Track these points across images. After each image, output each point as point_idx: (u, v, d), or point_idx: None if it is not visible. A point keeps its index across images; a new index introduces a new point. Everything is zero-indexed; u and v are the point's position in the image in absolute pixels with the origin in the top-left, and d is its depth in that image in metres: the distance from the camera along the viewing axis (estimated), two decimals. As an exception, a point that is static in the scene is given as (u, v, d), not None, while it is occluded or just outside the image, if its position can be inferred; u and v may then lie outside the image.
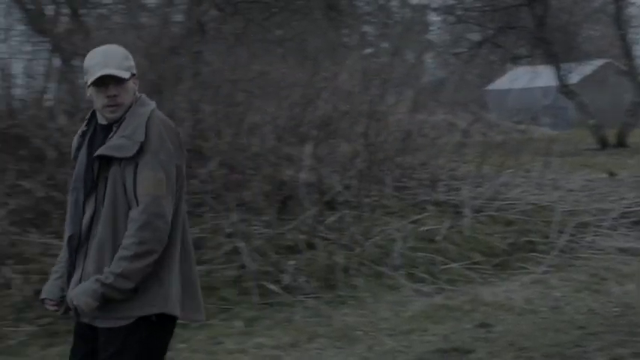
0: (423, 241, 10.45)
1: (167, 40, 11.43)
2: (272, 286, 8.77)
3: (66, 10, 13.59)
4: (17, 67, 12.41)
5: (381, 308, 8.53)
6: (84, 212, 3.86)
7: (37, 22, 13.11)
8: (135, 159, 3.75)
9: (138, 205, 3.73)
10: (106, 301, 3.73)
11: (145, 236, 3.70)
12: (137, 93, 3.95)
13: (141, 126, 3.80)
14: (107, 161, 3.80)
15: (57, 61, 12.84)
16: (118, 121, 3.86)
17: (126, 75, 3.87)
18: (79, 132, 4.04)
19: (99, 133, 3.93)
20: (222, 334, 7.76)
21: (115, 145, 3.79)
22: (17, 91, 11.81)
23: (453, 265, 9.95)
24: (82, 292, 3.74)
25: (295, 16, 17.24)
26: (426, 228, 10.81)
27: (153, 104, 3.95)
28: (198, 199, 9.94)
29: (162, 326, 3.90)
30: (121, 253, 3.72)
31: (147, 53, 10.94)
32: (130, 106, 3.89)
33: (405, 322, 8.09)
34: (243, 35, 13.30)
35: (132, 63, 3.96)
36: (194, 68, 11.41)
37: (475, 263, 10.12)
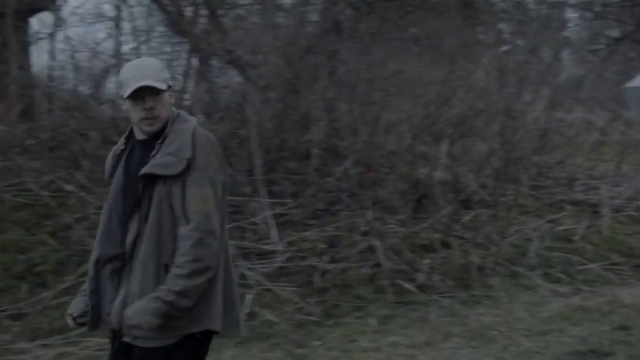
0: (560, 241, 10.26)
1: (303, 39, 11.51)
2: (407, 285, 8.75)
3: (204, 12, 13.82)
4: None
5: (516, 308, 8.41)
6: (127, 231, 3.78)
7: (176, 24, 13.38)
8: (182, 176, 3.69)
9: (188, 222, 3.67)
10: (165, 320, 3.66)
11: (200, 253, 3.65)
12: (175, 109, 3.88)
13: (186, 142, 3.73)
14: (152, 180, 3.73)
15: (195, 62, 13.08)
16: (160, 138, 3.79)
17: (162, 86, 3.79)
18: (116, 150, 3.98)
19: (137, 149, 3.87)
20: (356, 332, 7.78)
21: (160, 163, 3.72)
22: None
23: (591, 265, 9.73)
24: (142, 311, 3.63)
25: (431, 14, 17.12)
26: (562, 228, 10.62)
27: (194, 120, 3.88)
28: (333, 198, 10.00)
29: (203, 342, 3.86)
30: (176, 271, 3.65)
31: (283, 53, 11.06)
32: (167, 121, 3.81)
33: (541, 322, 7.95)
34: (378, 34, 13.28)
35: (167, 75, 3.88)
36: (330, 67, 11.47)
37: (614, 264, 9.88)
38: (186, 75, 12.75)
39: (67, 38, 13.19)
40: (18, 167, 10.25)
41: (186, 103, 11.96)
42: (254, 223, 9.49)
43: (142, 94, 3.75)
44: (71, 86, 12.61)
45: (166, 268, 3.68)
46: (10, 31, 12.13)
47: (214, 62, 12.97)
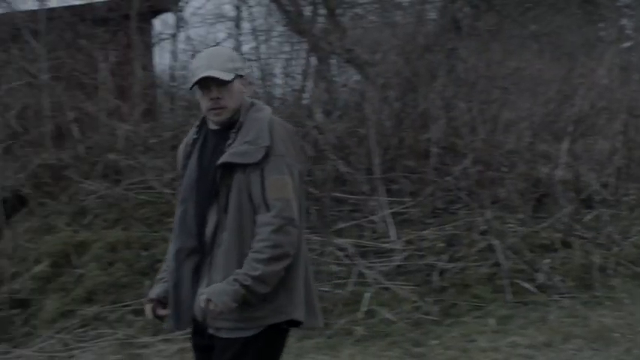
0: (686, 242, 9.99)
1: (422, 37, 11.49)
2: (526, 285, 8.66)
3: (323, 11, 13.91)
4: (277, 67, 12.88)
5: (639, 310, 8.24)
6: (205, 223, 3.76)
7: (295, 23, 13.50)
8: (260, 164, 3.67)
9: (268, 209, 3.65)
10: (240, 306, 3.64)
11: (280, 239, 3.62)
12: (249, 98, 3.87)
13: (263, 130, 3.71)
14: (230, 169, 3.71)
15: (314, 61, 13.17)
16: (235, 127, 3.78)
17: (228, 77, 3.76)
18: (188, 140, 3.97)
19: (210, 139, 3.86)
20: (475, 331, 7.74)
21: (238, 151, 3.70)
22: (277, 90, 12.25)
23: None
24: (220, 292, 3.62)
25: (551, 10, 16.89)
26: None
27: (269, 109, 3.87)
28: (452, 196, 9.96)
29: (285, 332, 3.85)
30: (254, 256, 3.63)
31: (402, 51, 11.05)
32: (237, 111, 3.80)
33: (666, 325, 7.77)
34: (497, 31, 13.14)
35: (238, 65, 3.84)
36: (449, 65, 11.42)
37: None
38: (304, 74, 12.85)
39: (189, 38, 13.45)
40: (141, 165, 10.51)
41: (304, 102, 12.07)
42: (372, 222, 9.52)
43: (207, 84, 3.76)
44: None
45: None
46: (134, 32, 12.43)
47: (333, 61, 13.04)
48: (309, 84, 12.84)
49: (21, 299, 9.22)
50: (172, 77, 12.91)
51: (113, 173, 10.56)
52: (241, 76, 3.84)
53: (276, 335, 3.79)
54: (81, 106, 11.23)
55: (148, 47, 13.46)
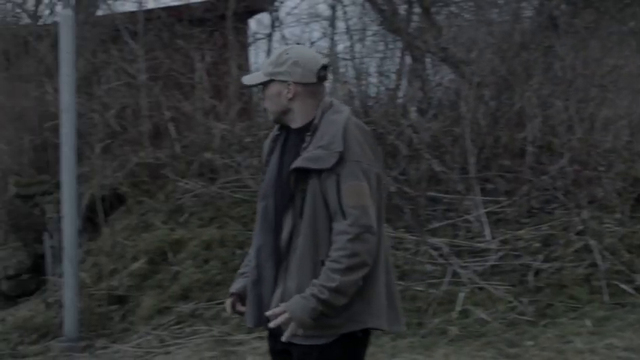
0: None
1: (518, 35, 11.36)
2: (624, 286, 8.49)
3: (418, 9, 13.86)
4: (371, 66, 12.87)
5: None
6: (281, 225, 3.71)
7: (390, 22, 13.48)
8: (335, 170, 3.58)
9: (345, 217, 3.56)
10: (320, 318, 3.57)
11: (357, 248, 3.52)
12: (328, 98, 3.82)
13: (337, 135, 3.62)
14: (304, 173, 3.63)
15: (408, 59, 13.14)
16: (310, 130, 3.71)
17: (254, 80, 3.88)
18: (272, 135, 3.94)
19: (291, 137, 3.81)
20: (571, 332, 7.62)
21: (311, 156, 3.62)
22: (371, 89, 12.25)
23: None
24: (297, 309, 3.55)
25: (651, 6, 16.54)
26: None
27: (347, 110, 3.78)
28: (548, 196, 9.82)
29: (362, 340, 3.76)
30: (331, 265, 3.55)
31: (497, 49, 10.95)
32: (282, 112, 3.79)
33: None
34: (595, 28, 12.92)
35: (278, 69, 3.77)
36: (545, 63, 11.27)
37: None
38: (399, 73, 12.82)
39: (284, 38, 13.56)
40: (236, 164, 10.62)
41: (399, 101, 12.03)
42: (467, 221, 9.45)
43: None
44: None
45: (323, 264, 3.58)
46: (230, 32, 12.57)
47: (428, 60, 12.98)
48: (404, 83, 12.80)
49: (119, 296, 9.41)
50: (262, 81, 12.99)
51: (209, 172, 10.70)
52: (282, 80, 3.77)
53: (352, 343, 3.71)
54: (178, 105, 11.41)
55: (244, 47, 13.60)
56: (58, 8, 15.29)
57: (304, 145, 3.69)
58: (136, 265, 9.58)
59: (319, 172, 3.60)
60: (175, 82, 11.90)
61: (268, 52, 13.25)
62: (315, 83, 3.77)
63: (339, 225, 3.57)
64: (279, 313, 3.59)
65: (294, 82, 3.74)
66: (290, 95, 3.75)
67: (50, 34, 14.29)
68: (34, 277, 12.93)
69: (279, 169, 3.79)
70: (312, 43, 13.57)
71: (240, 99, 11.70)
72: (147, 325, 8.73)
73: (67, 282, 9.16)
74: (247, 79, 3.95)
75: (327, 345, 3.65)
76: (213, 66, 11.77)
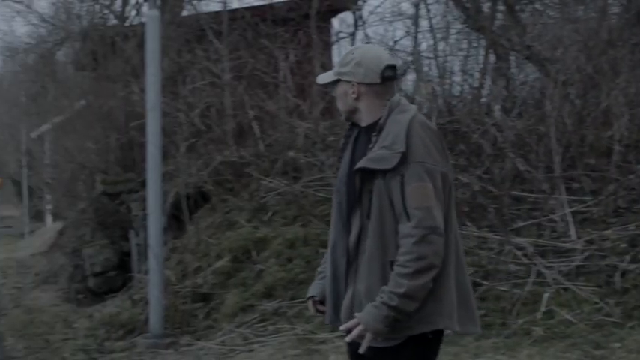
0: None
1: (604, 32, 11.16)
2: None
3: (502, 7, 13.72)
4: (455, 65, 12.79)
5: None
6: (350, 226, 3.69)
7: (474, 20, 13.36)
8: (399, 171, 3.53)
9: (409, 219, 3.51)
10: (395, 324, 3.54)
11: (423, 251, 3.47)
12: (397, 97, 3.77)
13: (401, 135, 3.58)
14: (370, 174, 3.60)
15: (492, 58, 13.02)
16: (376, 130, 3.69)
17: (325, 80, 3.91)
18: (345, 132, 3.94)
19: (362, 135, 3.80)
20: (659, 335, 7.47)
21: (375, 157, 3.60)
22: (455, 88, 12.17)
23: None
24: (372, 319, 3.52)
25: None
26: None
27: (413, 109, 3.73)
28: (635, 195, 9.64)
29: (434, 341, 3.71)
30: (398, 270, 3.50)
31: (583, 47, 10.78)
32: (350, 111, 3.80)
33: None
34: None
35: (345, 69, 3.78)
36: (632, 61, 11.05)
37: None
38: (483, 71, 12.71)
39: (367, 37, 13.54)
40: (320, 163, 10.64)
41: (483, 99, 11.94)
42: (552, 221, 9.32)
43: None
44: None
45: (392, 265, 3.54)
46: (313, 31, 12.61)
47: (512, 58, 12.85)
48: (488, 81, 12.70)
49: (203, 293, 9.52)
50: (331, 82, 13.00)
51: (292, 171, 10.75)
52: (347, 81, 3.79)
53: (423, 345, 3.67)
54: (261, 104, 11.49)
55: (327, 46, 13.64)
56: (145, 9, 15.52)
57: (370, 145, 3.68)
58: (220, 263, 9.67)
59: (384, 172, 3.57)
60: (259, 82, 11.98)
61: (352, 51, 13.22)
62: (379, 83, 3.76)
63: (404, 227, 3.54)
64: (353, 326, 3.58)
65: (358, 82, 3.76)
66: (355, 95, 3.77)
67: (136, 34, 14.53)
68: (120, 274, 13.16)
69: (350, 167, 3.77)
70: (395, 42, 13.53)
71: (323, 98, 11.73)
72: (230, 322, 8.81)
73: (153, 279, 9.30)
74: (320, 78, 3.98)
75: (397, 346, 3.62)
76: (296, 65, 11.83)
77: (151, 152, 9.30)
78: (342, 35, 14.39)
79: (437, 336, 3.71)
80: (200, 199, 11.34)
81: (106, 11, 18.06)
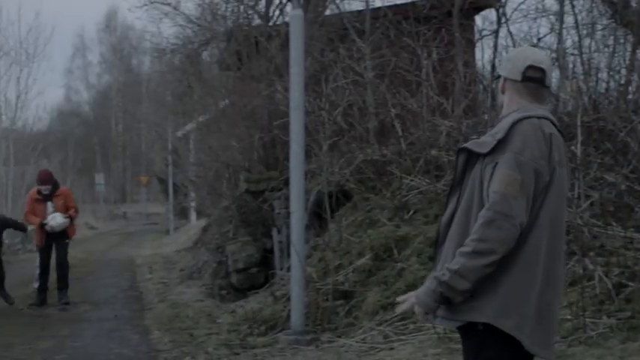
0: None
1: None
2: None
3: (652, 2, 13.32)
4: (601, 62, 12.48)
5: None
6: (446, 208, 3.80)
7: (621, 16, 13.02)
8: (495, 157, 3.59)
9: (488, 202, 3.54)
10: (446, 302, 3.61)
11: (487, 233, 3.47)
12: (532, 104, 3.81)
13: (504, 126, 3.66)
14: (473, 157, 3.70)
15: (641, 54, 12.64)
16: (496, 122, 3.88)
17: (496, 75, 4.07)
18: None
19: None
20: None
21: (478, 141, 3.75)
22: (601, 86, 11.87)
23: None
24: (422, 292, 3.64)
25: None
26: None
27: (531, 112, 3.73)
28: None
29: (488, 337, 3.61)
30: (461, 249, 3.54)
31: None
32: (502, 105, 3.94)
33: None
34: None
35: (502, 64, 4.00)
36: None
37: None
38: (630, 68, 12.35)
39: (510, 34, 13.35)
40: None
41: (630, 97, 11.61)
42: None
43: None
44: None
45: None
46: (456, 29, 12.52)
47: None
48: (635, 78, 12.34)
49: (344, 291, 9.54)
50: (494, 74, 12.86)
51: (434, 169, 10.67)
52: (503, 77, 3.94)
53: (479, 337, 3.64)
54: (403, 103, 11.45)
55: (470, 44, 13.51)
56: (289, 9, 15.69)
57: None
58: (361, 261, 9.69)
59: (483, 157, 3.65)
60: (401, 80, 11.96)
61: (495, 48, 13.10)
62: (519, 81, 3.84)
63: (482, 210, 3.57)
64: (406, 298, 3.78)
65: (504, 77, 3.90)
66: (502, 89, 3.94)
67: (280, 34, 14.72)
68: (262, 270, 13.35)
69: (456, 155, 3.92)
70: (539, 39, 13.30)
71: (466, 96, 11.63)
72: (371, 320, 8.81)
73: (294, 276, 9.38)
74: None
75: (463, 329, 3.70)
76: (439, 63, 11.75)
77: (294, 150, 9.38)
78: (485, 33, 14.24)
79: (497, 336, 3.60)
80: (342, 197, 11.39)
81: (250, 12, 18.36)
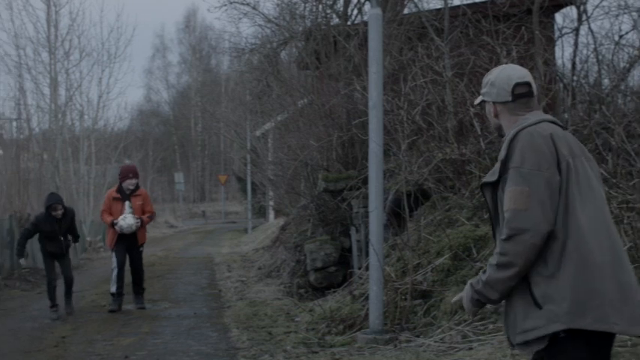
0: None
1: None
2: None
3: None
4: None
5: None
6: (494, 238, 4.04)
7: None
8: (504, 178, 3.83)
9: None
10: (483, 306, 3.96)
11: (506, 248, 3.74)
12: (518, 116, 4.03)
13: (504, 147, 3.88)
14: (495, 188, 3.93)
15: None
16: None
17: (477, 101, 4.28)
18: None
19: None
20: None
21: (491, 171, 3.97)
22: None
23: None
24: (465, 296, 4.01)
25: None
26: None
27: (524, 123, 3.94)
28: None
29: (570, 343, 3.69)
30: (489, 260, 3.87)
31: None
32: (497, 128, 4.18)
33: None
34: None
35: (484, 90, 4.16)
36: None
37: None
38: None
39: (591, 32, 13.15)
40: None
41: None
42: None
43: None
44: (594, 80, 12.55)
45: None
46: (536, 26, 12.38)
47: None
48: None
49: (423, 290, 9.51)
50: (574, 72, 12.69)
51: (513, 169, 10.58)
52: (488, 101, 4.17)
53: (561, 345, 3.72)
54: (482, 101, 11.38)
55: (550, 42, 13.34)
56: (367, 8, 15.69)
57: None
58: (440, 261, 9.64)
59: (498, 183, 3.89)
60: (480, 78, 11.86)
61: (575, 46, 12.91)
62: (510, 101, 4.07)
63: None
64: (457, 299, 4.20)
65: (493, 102, 4.14)
66: (494, 113, 4.16)
67: (358, 33, 14.72)
68: (340, 269, 13.37)
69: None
70: (621, 37, 13.07)
71: (546, 94, 11.49)
72: (450, 320, 8.76)
73: (372, 275, 9.37)
74: (476, 100, 4.33)
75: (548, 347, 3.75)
76: (518, 61, 11.61)
77: (372, 149, 9.38)
78: (565, 30, 14.04)
79: (575, 336, 3.68)
80: (420, 196, 11.35)
81: (328, 11, 18.41)
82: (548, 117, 4.01)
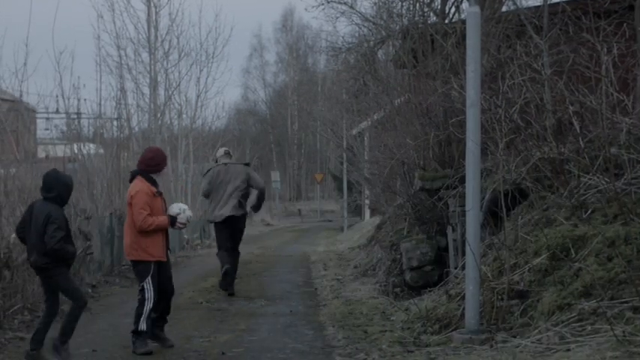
0: None
1: None
2: None
3: None
4: None
5: None
6: None
7: None
8: None
9: None
10: None
11: None
12: None
13: None
14: None
15: None
16: None
17: None
18: None
19: None
20: None
21: None
22: None
23: None
24: None
25: None
26: None
27: None
28: None
29: None
30: None
31: None
32: None
33: None
34: None
35: None
36: None
37: None
38: None
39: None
40: (647, 159, 10.23)
41: None
42: None
43: None
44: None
45: None
46: (638, 23, 12.16)
47: None
48: None
49: (520, 290, 9.42)
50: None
51: (614, 167, 10.38)
52: None
53: None
54: (582, 100, 11.19)
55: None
56: (465, 6, 15.61)
57: None
58: (537, 261, 9.53)
59: None
60: (580, 77, 11.69)
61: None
62: None
63: None
64: None
65: None
66: None
67: (456, 31, 14.65)
68: (436, 268, 13.33)
69: None
70: None
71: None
72: (547, 321, 8.66)
73: (469, 275, 9.33)
74: None
75: None
76: (619, 59, 11.40)
77: (470, 148, 9.33)
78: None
79: None
80: (518, 195, 11.24)
81: (426, 9, 18.35)
82: None
